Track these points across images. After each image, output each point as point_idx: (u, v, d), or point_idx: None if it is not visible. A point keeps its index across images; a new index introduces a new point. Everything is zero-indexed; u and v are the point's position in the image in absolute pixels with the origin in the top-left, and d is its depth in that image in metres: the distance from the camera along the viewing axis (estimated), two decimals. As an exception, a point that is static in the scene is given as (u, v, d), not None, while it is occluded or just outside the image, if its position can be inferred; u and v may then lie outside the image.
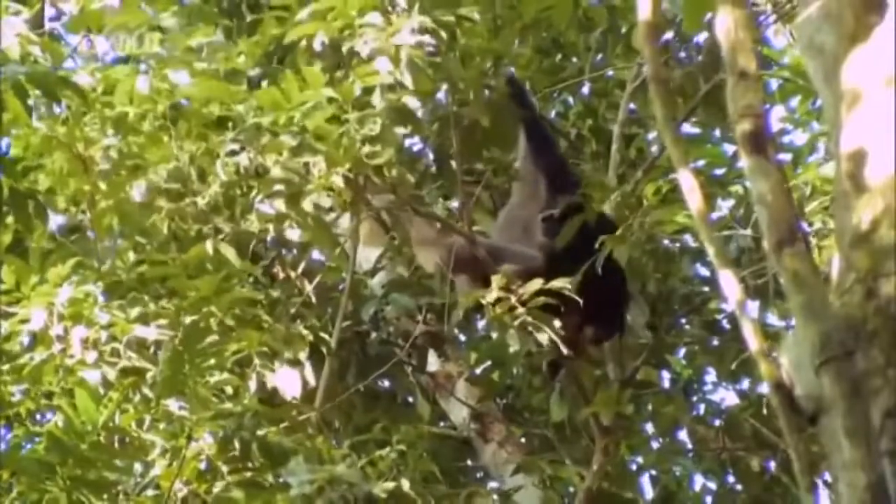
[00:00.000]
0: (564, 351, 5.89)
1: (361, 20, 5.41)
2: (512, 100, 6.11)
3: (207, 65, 5.73)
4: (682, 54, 7.26)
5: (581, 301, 5.78)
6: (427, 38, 5.40)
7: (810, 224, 6.39)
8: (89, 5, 6.33)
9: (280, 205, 5.34)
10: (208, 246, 5.38)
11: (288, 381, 5.44)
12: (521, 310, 5.70)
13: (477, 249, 6.17)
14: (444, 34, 5.43)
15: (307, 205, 5.35)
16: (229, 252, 5.40)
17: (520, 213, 6.61)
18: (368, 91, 5.38)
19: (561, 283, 5.71)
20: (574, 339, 6.07)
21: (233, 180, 5.32)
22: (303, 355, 5.50)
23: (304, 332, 5.61)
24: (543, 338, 5.77)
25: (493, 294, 5.74)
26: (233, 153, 5.35)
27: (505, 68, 6.19)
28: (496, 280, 5.77)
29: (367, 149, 5.31)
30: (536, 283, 5.72)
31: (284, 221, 5.40)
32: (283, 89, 5.37)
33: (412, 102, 5.39)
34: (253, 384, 5.36)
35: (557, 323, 5.79)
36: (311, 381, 5.57)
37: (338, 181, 5.33)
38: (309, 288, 6.70)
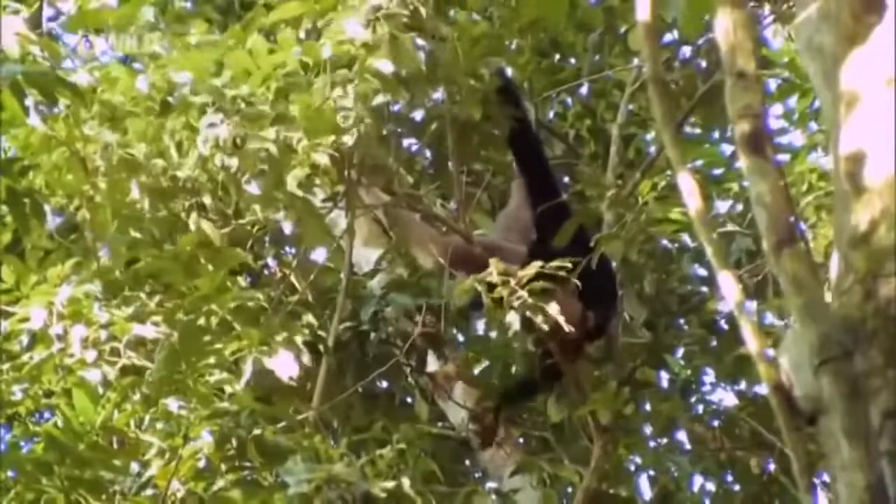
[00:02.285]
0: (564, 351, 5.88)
1: (344, 4, 5.39)
2: (501, 96, 6.05)
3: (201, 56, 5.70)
4: (685, 55, 7.27)
5: (581, 287, 5.80)
6: (404, 12, 5.37)
7: (805, 220, 6.40)
8: (87, 4, 6.31)
9: (265, 184, 5.29)
10: (191, 222, 5.35)
11: (284, 365, 5.39)
12: (521, 292, 5.65)
13: (474, 248, 6.17)
14: (422, 9, 5.39)
15: (291, 183, 5.31)
16: (210, 229, 5.37)
17: (519, 215, 6.61)
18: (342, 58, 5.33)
19: (559, 265, 5.66)
20: (577, 328, 6.04)
21: (212, 153, 5.27)
22: (299, 338, 5.46)
23: (303, 331, 5.60)
24: (543, 323, 5.73)
25: (491, 277, 5.69)
26: (211, 126, 5.30)
27: (498, 65, 6.16)
28: (494, 263, 5.71)
29: (347, 121, 5.28)
30: (534, 266, 5.68)
31: (270, 203, 5.35)
32: (251, 52, 5.33)
33: (385, 66, 5.34)
34: (248, 369, 5.31)
35: (556, 307, 5.76)
36: (308, 364, 5.53)
37: (322, 158, 5.29)
38: (305, 286, 6.70)
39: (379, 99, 5.41)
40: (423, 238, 6.46)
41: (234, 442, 5.05)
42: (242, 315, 5.29)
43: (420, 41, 5.52)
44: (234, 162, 5.26)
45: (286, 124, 5.27)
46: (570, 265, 5.66)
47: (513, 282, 5.65)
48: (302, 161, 5.28)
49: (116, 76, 5.48)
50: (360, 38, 5.32)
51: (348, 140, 5.32)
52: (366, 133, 5.35)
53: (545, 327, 5.71)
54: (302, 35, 5.46)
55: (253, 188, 5.32)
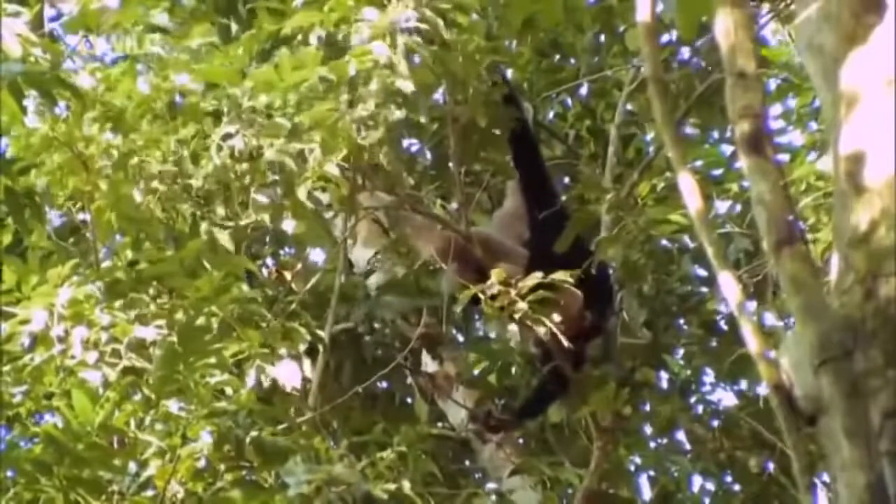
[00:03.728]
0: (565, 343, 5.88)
1: (358, 14, 5.38)
2: (503, 98, 6.05)
3: (206, 63, 5.70)
4: (683, 55, 7.27)
5: (581, 290, 5.81)
6: (423, 26, 5.37)
7: (804, 220, 6.40)
8: (88, 5, 6.31)
9: (275, 194, 5.30)
10: (203, 231, 5.35)
11: (288, 374, 5.43)
12: (521, 304, 5.67)
13: (475, 248, 6.17)
14: (440, 21, 5.40)
15: (302, 193, 5.31)
16: (223, 237, 5.37)
17: (515, 215, 6.61)
18: (364, 76, 5.34)
19: (562, 276, 5.68)
20: (576, 328, 6.05)
21: (227, 163, 5.28)
22: (302, 347, 5.49)
23: (304, 336, 5.60)
24: (543, 331, 5.75)
25: (492, 288, 5.71)
26: (227, 136, 5.31)
27: (499, 67, 6.15)
28: (495, 274, 5.74)
29: (362, 133, 5.28)
30: (535, 277, 5.70)
31: (280, 212, 5.36)
32: (277, 69, 5.33)
33: (406, 86, 5.34)
34: (251, 379, 5.33)
35: (557, 317, 5.77)
36: (310, 374, 5.57)
37: (333, 170, 5.29)
38: (305, 288, 6.70)
39: (397, 114, 5.41)
40: (423, 232, 6.47)
41: (233, 442, 5.05)
42: (243, 317, 5.29)
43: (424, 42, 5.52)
44: (247, 171, 5.27)
45: (302, 137, 5.27)
46: (572, 277, 5.67)
47: (513, 293, 5.67)
48: (314, 173, 5.28)
49: (117, 78, 5.47)
50: (384, 58, 5.31)
51: (364, 153, 5.34)
52: (380, 144, 5.35)
53: (545, 337, 5.73)
54: (314, 42, 5.45)
55: (261, 196, 5.32)
